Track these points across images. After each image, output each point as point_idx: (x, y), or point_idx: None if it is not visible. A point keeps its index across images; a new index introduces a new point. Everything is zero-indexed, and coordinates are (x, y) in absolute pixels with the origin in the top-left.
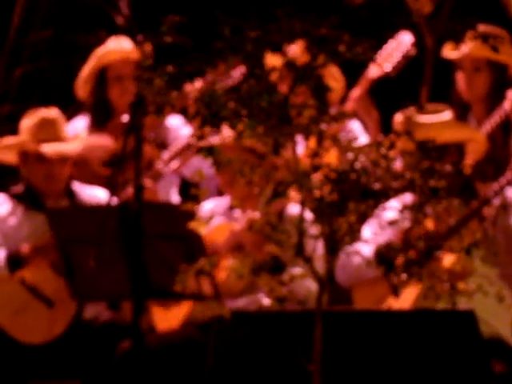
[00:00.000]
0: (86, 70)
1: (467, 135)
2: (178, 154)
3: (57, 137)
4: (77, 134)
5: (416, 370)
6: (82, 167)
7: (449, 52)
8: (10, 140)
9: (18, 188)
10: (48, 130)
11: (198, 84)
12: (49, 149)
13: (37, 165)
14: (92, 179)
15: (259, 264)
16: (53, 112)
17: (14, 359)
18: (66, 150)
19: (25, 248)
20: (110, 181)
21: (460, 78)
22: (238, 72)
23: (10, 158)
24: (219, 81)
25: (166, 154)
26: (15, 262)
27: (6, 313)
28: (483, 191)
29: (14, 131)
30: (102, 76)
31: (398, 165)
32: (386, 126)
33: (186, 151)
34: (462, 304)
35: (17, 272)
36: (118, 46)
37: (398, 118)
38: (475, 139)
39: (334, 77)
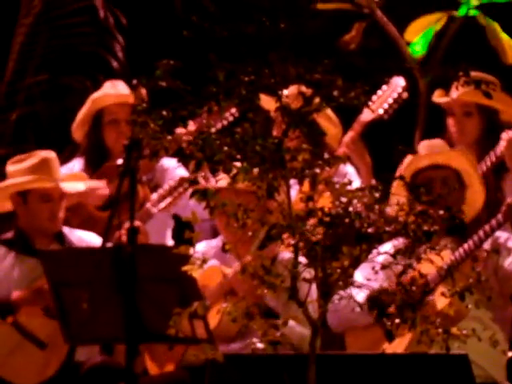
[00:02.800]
0: (82, 113)
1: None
2: (167, 195)
3: (58, 177)
4: (75, 174)
5: None
6: (78, 211)
7: (438, 98)
8: (6, 182)
9: (8, 234)
10: (50, 170)
11: (191, 126)
12: (69, 187)
13: (41, 205)
14: (87, 223)
15: (253, 308)
16: (51, 153)
17: None
18: (81, 188)
19: (16, 294)
20: (105, 224)
21: (451, 124)
22: (229, 113)
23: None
24: (212, 123)
25: (155, 195)
26: (6, 308)
27: None
28: (475, 234)
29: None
30: (97, 119)
31: (390, 209)
32: (380, 169)
33: (175, 191)
34: (456, 348)
35: (8, 317)
36: (114, 90)
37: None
38: (476, 188)
39: (331, 121)
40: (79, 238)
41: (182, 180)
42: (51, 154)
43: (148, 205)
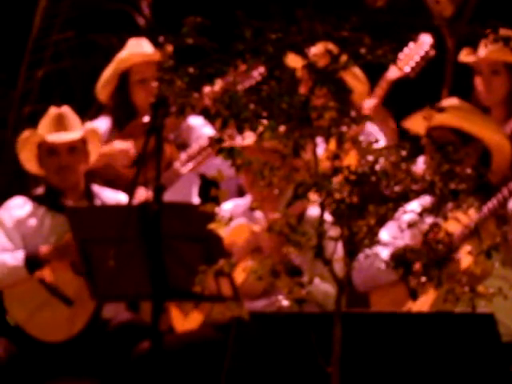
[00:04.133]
0: (108, 73)
1: (498, 142)
2: (196, 155)
3: (65, 129)
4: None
5: (435, 373)
6: (105, 171)
7: (466, 56)
8: (24, 134)
9: (39, 190)
10: (57, 124)
11: (218, 85)
12: (52, 138)
13: (49, 158)
14: (115, 182)
15: (279, 265)
16: (63, 108)
17: (33, 357)
18: (68, 138)
19: (43, 249)
20: (131, 181)
21: (478, 83)
22: (257, 72)
23: (33, 166)
24: (239, 81)
25: (184, 155)
26: (34, 262)
27: (25, 311)
28: (499, 192)
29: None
30: (124, 78)
31: (417, 167)
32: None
33: (204, 152)
34: (482, 307)
35: (36, 272)
36: (140, 49)
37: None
38: (503, 149)
39: (358, 78)
40: (108, 197)
41: (211, 140)
42: (63, 109)
43: (176, 165)
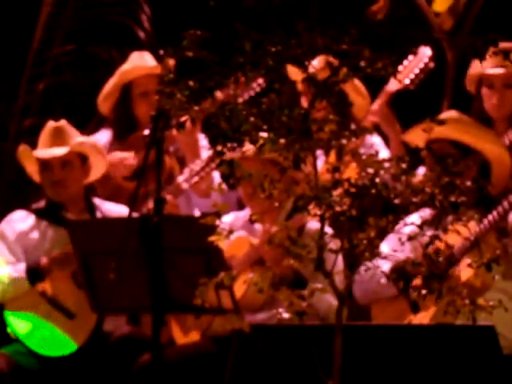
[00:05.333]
0: (110, 85)
1: (498, 154)
2: (199, 170)
3: (61, 143)
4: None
5: None
6: (105, 182)
7: (476, 68)
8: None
9: (40, 203)
10: (53, 138)
11: (218, 96)
12: (39, 153)
13: (43, 173)
14: (115, 194)
15: (279, 278)
16: (61, 122)
17: (34, 371)
18: (53, 154)
19: (44, 260)
20: (131, 193)
21: (487, 95)
22: (256, 83)
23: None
24: (239, 94)
25: (187, 170)
26: (35, 274)
27: (26, 325)
28: (499, 204)
29: (34, 144)
30: (126, 91)
31: (417, 179)
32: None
33: (207, 167)
34: (482, 319)
35: (37, 284)
36: (142, 62)
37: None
38: (503, 161)
39: (359, 92)
40: (110, 210)
41: (214, 155)
42: (60, 123)
43: (179, 180)
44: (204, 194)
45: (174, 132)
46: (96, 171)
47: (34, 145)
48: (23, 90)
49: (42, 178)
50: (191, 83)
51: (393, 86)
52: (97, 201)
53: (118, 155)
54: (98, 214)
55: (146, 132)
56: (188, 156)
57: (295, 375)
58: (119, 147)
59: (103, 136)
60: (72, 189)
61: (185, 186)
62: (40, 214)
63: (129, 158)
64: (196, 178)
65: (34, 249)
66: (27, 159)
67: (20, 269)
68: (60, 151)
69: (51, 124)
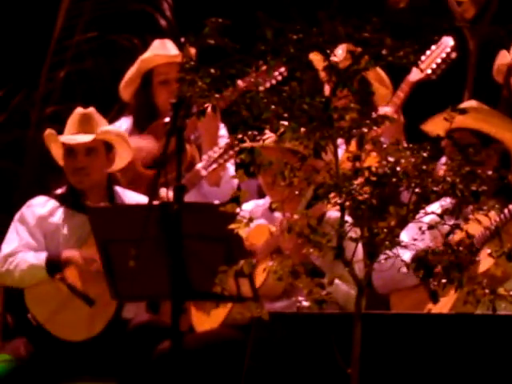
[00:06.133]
0: (131, 72)
1: None
2: (218, 157)
3: (88, 130)
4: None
5: (455, 375)
6: (126, 170)
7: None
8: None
9: (61, 189)
10: (80, 125)
11: (239, 84)
12: (64, 139)
13: (67, 159)
14: (136, 182)
15: (298, 266)
16: (89, 109)
17: (52, 357)
18: (79, 140)
19: (66, 253)
20: (152, 181)
21: None
22: (277, 72)
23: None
24: (260, 81)
25: (206, 157)
26: (55, 265)
27: (46, 310)
28: None
29: (57, 132)
30: (147, 79)
31: (438, 168)
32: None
33: (226, 154)
34: (502, 309)
35: (56, 275)
36: (164, 50)
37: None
38: None
39: (382, 81)
40: (131, 199)
41: (233, 141)
42: (88, 110)
43: (198, 167)
44: (214, 182)
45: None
46: (120, 161)
47: (55, 132)
48: (44, 77)
49: (65, 163)
50: (212, 71)
51: (415, 75)
52: (118, 190)
53: (139, 143)
54: (118, 202)
55: (167, 120)
56: (206, 143)
57: (314, 364)
58: (140, 135)
59: (123, 123)
60: (94, 176)
61: (203, 173)
62: (60, 200)
63: (150, 146)
64: (214, 166)
65: (54, 234)
66: (53, 143)
67: (41, 258)
68: (85, 138)
69: (79, 110)
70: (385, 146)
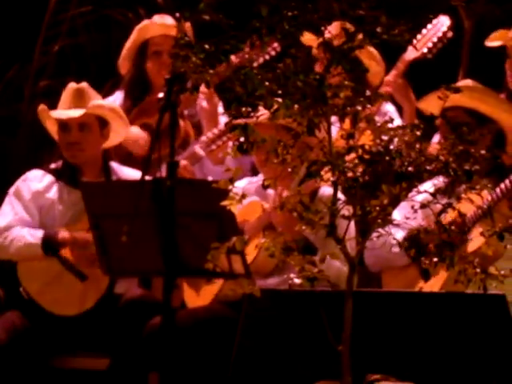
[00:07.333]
0: (128, 44)
1: None
2: (217, 138)
3: (81, 105)
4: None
5: (445, 353)
6: (119, 147)
7: (493, 40)
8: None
9: (57, 164)
10: (73, 100)
11: (233, 60)
12: (55, 114)
13: (61, 134)
14: (128, 160)
15: (290, 243)
16: (82, 84)
17: (45, 331)
18: (70, 115)
19: (62, 234)
20: (144, 157)
21: (510, 67)
22: (271, 47)
23: None
24: (254, 58)
25: (204, 138)
26: (50, 245)
27: (39, 284)
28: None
29: (51, 106)
30: (142, 50)
31: (431, 147)
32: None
33: (225, 135)
34: (493, 288)
35: (50, 253)
36: (161, 21)
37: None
38: None
39: (374, 58)
40: (127, 175)
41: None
42: (82, 84)
43: (196, 148)
44: (219, 161)
45: (197, 101)
46: (116, 136)
47: (49, 107)
48: (38, 51)
49: (59, 138)
50: (207, 46)
51: (410, 54)
52: (114, 165)
53: (133, 132)
54: (114, 178)
55: (161, 95)
56: (207, 123)
57: (305, 341)
58: (132, 110)
59: (118, 98)
60: (89, 152)
61: (201, 153)
62: (57, 175)
63: (143, 137)
64: (213, 146)
65: (49, 209)
66: (47, 119)
67: (37, 236)
68: (76, 113)
69: (72, 85)
70: (378, 124)
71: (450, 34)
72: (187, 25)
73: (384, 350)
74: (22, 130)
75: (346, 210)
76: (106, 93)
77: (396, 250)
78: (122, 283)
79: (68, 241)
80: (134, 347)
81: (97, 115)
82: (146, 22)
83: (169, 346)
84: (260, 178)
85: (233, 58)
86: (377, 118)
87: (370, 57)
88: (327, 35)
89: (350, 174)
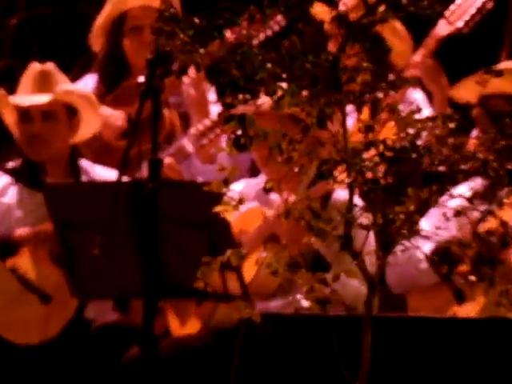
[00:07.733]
0: (102, 17)
1: None
2: (207, 131)
3: (47, 90)
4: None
5: None
6: (93, 142)
7: None
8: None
9: (16, 163)
10: (37, 84)
11: (228, 37)
12: (17, 100)
13: (22, 125)
14: (102, 153)
15: (297, 258)
16: (47, 65)
17: (0, 363)
18: (35, 101)
19: (19, 231)
20: (122, 155)
21: None
22: (275, 22)
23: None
24: (253, 34)
25: (193, 130)
26: (6, 247)
27: None
28: None
29: (9, 91)
30: (117, 25)
31: (467, 142)
32: None
33: (217, 128)
34: None
35: (8, 259)
36: None
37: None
38: None
39: (398, 35)
40: (100, 176)
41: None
42: (47, 66)
43: (184, 142)
44: (209, 159)
45: (181, 84)
46: (86, 128)
47: (8, 90)
48: None
49: (19, 130)
50: (196, 21)
51: (442, 29)
52: (84, 164)
53: (105, 111)
54: (84, 179)
55: (141, 79)
56: (195, 114)
57: (315, 376)
58: (108, 97)
59: (89, 82)
60: (54, 147)
61: (190, 149)
62: (15, 175)
63: (117, 116)
64: (203, 141)
65: (4, 216)
66: (4, 107)
67: None
68: (42, 99)
69: (35, 67)
70: (403, 114)
71: (490, 5)
72: None
73: None
74: None
75: (365, 219)
76: (75, 76)
77: (424, 266)
78: (93, 306)
79: (28, 236)
80: (109, 381)
81: (65, 103)
82: None
83: (149, 382)
84: (261, 179)
85: (228, 34)
86: (401, 108)
87: (394, 33)
88: (342, 7)
89: (368, 175)
